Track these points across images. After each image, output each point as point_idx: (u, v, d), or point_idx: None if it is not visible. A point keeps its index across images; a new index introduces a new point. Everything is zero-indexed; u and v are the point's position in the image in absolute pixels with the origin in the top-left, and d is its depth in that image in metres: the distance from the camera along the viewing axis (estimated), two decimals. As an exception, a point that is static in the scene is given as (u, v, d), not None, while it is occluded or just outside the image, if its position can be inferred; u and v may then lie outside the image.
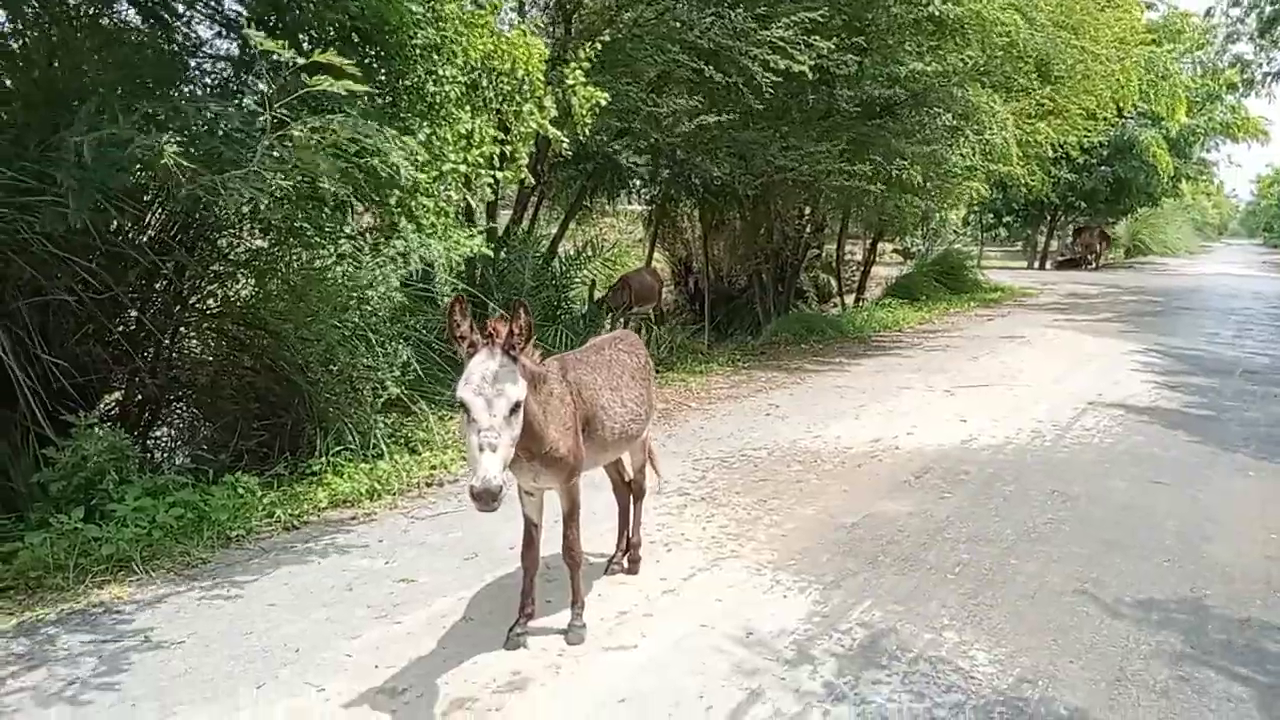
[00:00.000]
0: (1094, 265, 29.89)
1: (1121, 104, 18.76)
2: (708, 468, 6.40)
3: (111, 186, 4.23)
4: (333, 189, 4.32)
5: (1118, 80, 16.71)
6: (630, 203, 16.68)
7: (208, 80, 5.86)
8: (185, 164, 3.87)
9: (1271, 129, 29.82)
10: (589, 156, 11.28)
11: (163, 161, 3.75)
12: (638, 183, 13.77)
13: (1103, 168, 25.36)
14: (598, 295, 12.09)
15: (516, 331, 3.07)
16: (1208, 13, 22.01)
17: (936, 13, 9.60)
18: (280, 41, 4.02)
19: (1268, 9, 14.33)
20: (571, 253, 11.80)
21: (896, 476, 6.21)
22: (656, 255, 16.15)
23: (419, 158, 4.75)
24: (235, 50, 5.77)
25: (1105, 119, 17.97)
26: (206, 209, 5.33)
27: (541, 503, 3.81)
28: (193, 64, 5.80)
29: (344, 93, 3.89)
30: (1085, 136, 17.48)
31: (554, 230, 12.10)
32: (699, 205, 14.42)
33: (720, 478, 6.16)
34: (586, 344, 4.37)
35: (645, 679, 3.48)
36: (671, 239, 16.50)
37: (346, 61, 3.95)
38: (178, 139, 3.98)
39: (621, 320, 11.82)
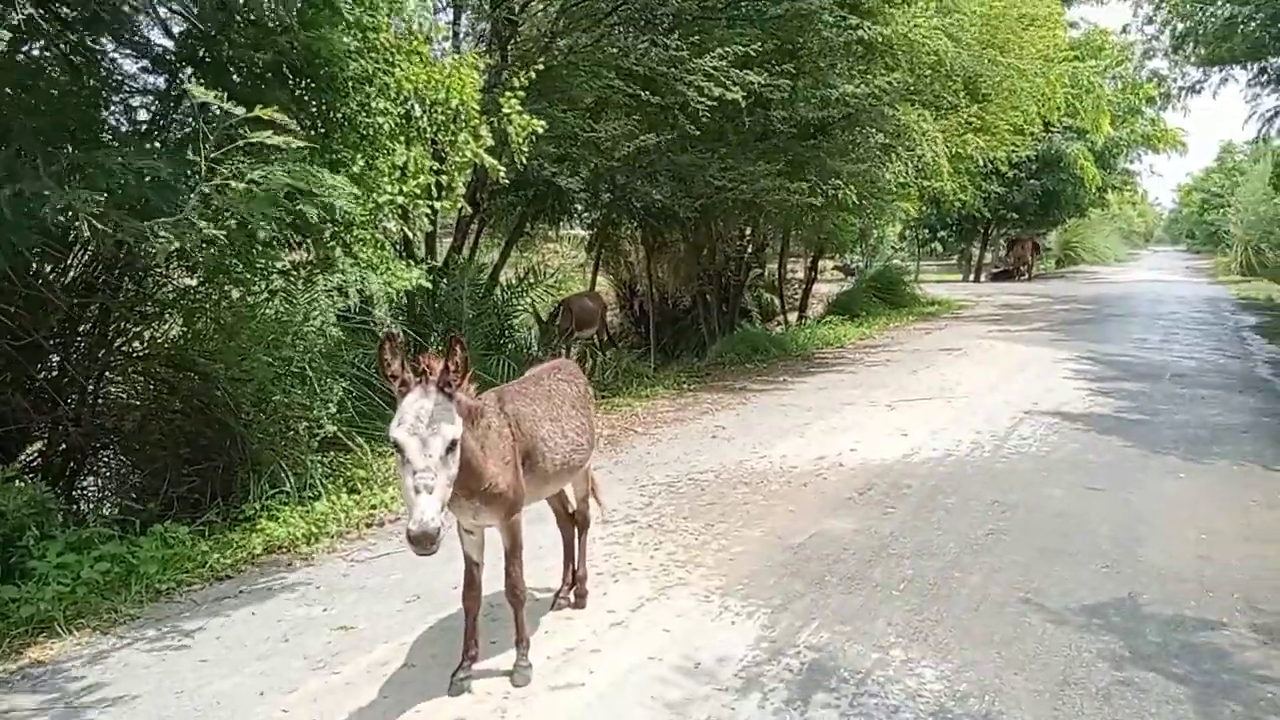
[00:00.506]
0: (1027, 276, 30.72)
1: (1048, 118, 19.42)
2: (654, 493, 6.37)
3: (20, 244, 4.06)
4: (266, 233, 4.21)
5: (1043, 95, 17.30)
6: (572, 227, 16.69)
7: (136, 117, 5.72)
8: (105, 217, 3.74)
9: (1189, 140, 31.10)
10: (529, 183, 11.26)
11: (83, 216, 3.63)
12: (579, 207, 13.78)
13: (1032, 181, 26.15)
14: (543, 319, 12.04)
15: (453, 368, 3.03)
16: (1124, 29, 22.96)
17: (865, 36, 9.81)
18: (218, 92, 3.92)
19: (1179, 26, 14.96)
20: (514, 280, 11.72)
21: (841, 494, 6.26)
22: (600, 279, 16.14)
23: (354, 193, 4.67)
24: (162, 84, 5.65)
25: (1032, 134, 18.58)
26: (131, 251, 5.16)
27: (482, 540, 3.74)
28: (117, 99, 5.64)
29: (283, 145, 3.79)
30: (1014, 151, 18.02)
31: (495, 257, 12.02)
32: (641, 228, 14.48)
33: (667, 503, 6.14)
34: (525, 375, 4.32)
35: (594, 717, 3.42)
36: (615, 262, 16.52)
37: (288, 120, 3.87)
38: (100, 188, 3.85)
39: (563, 347, 11.77)
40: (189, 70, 5.45)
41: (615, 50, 9.28)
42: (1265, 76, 14.04)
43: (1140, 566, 4.88)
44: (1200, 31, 13.51)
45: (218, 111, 3.95)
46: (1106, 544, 5.23)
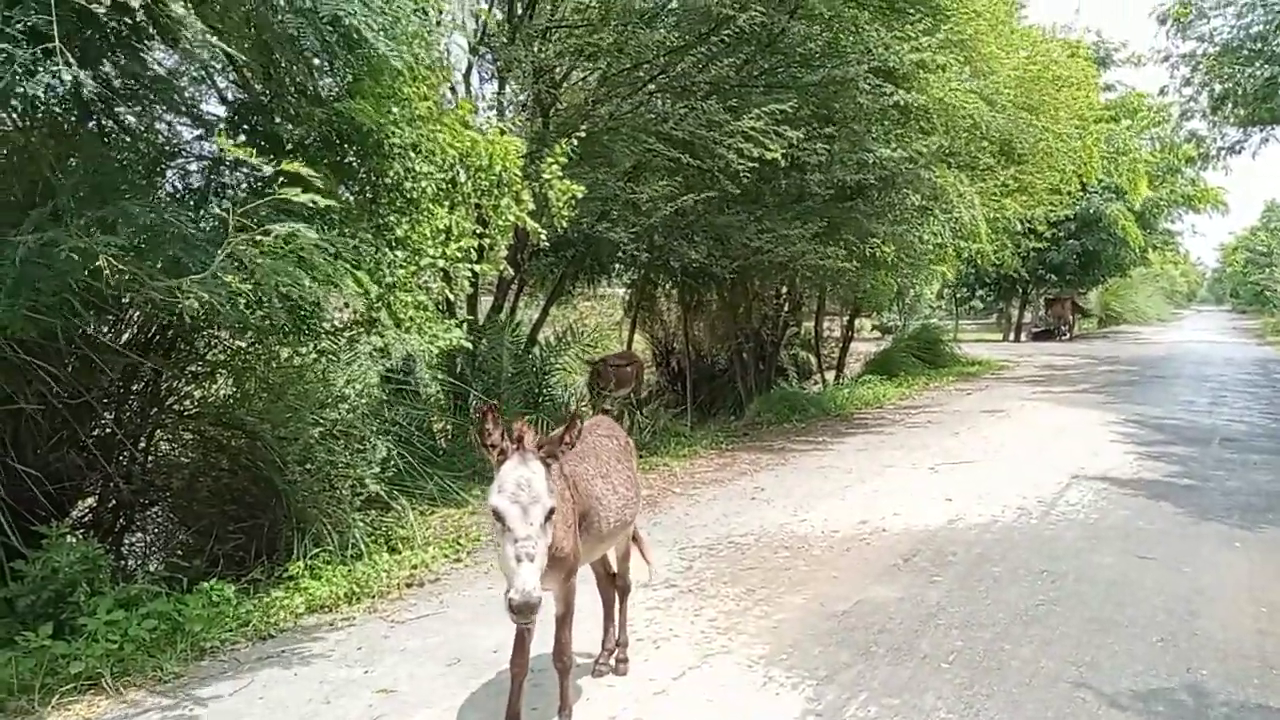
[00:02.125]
0: (1068, 335, 30.39)
1: (1085, 178, 19.43)
2: (694, 556, 6.31)
3: (40, 288, 4.16)
4: (304, 292, 4.29)
5: (1080, 156, 17.33)
6: (609, 286, 16.89)
7: (190, 183, 5.95)
8: (124, 268, 3.83)
9: (1231, 199, 30.83)
10: (569, 244, 11.46)
11: (96, 264, 3.72)
12: (618, 266, 13.96)
13: (1071, 241, 26.04)
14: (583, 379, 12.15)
15: (568, 440, 3.13)
16: (1162, 91, 23.00)
17: (901, 101, 9.93)
18: (249, 149, 4.07)
19: (1218, 88, 14.98)
20: (552, 339, 11.85)
21: (885, 560, 6.14)
22: (637, 337, 16.25)
23: (396, 254, 4.78)
24: (218, 150, 5.88)
25: (1070, 193, 18.57)
26: (173, 312, 5.32)
27: None
28: (172, 166, 5.88)
29: (310, 203, 3.90)
30: (1051, 211, 18.01)
31: (534, 316, 12.18)
32: (678, 287, 14.62)
33: (707, 567, 6.07)
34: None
35: (636, 790, 3.36)
36: (651, 321, 16.63)
37: (313, 173, 3.99)
38: (124, 243, 3.95)
39: (601, 406, 11.81)
40: (242, 138, 5.70)
41: (654, 116, 9.50)
42: (1308, 136, 13.95)
43: (1197, 640, 4.71)
44: (1239, 92, 13.50)
45: (252, 168, 4.09)
46: (1162, 615, 5.06)
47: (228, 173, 5.49)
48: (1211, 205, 30.77)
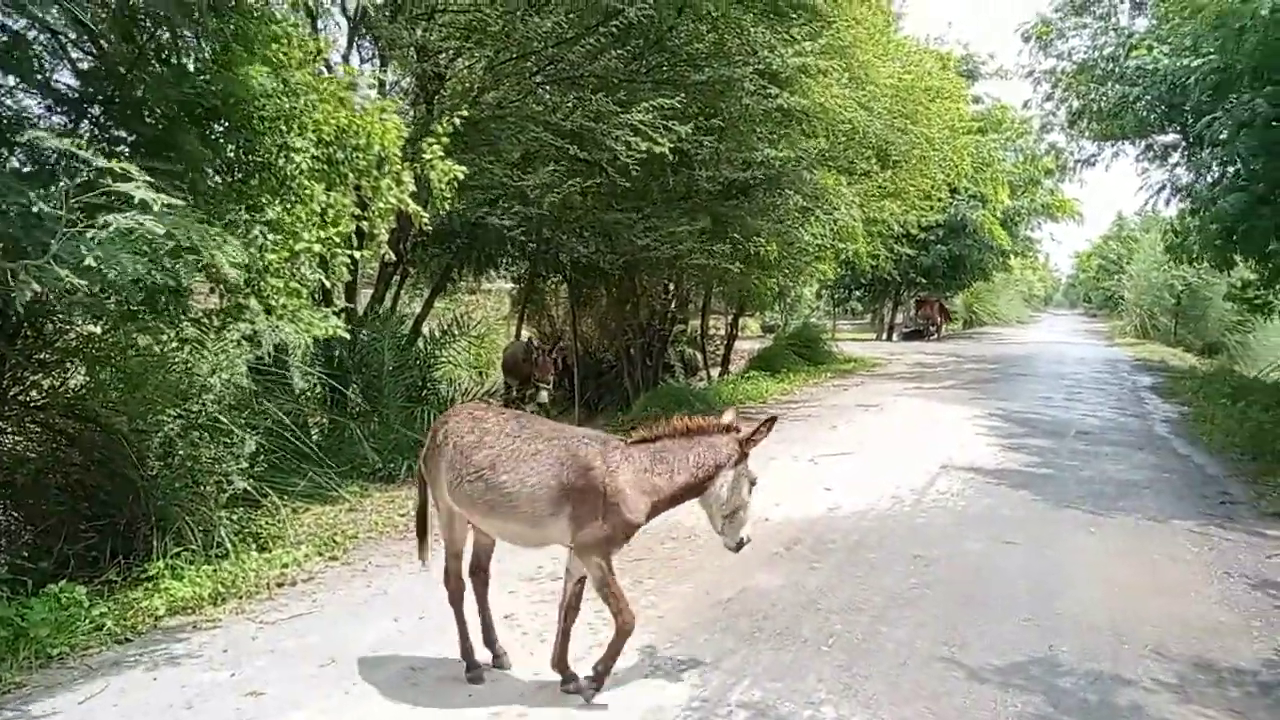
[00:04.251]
0: (935, 335, 31.89)
1: (954, 185, 20.46)
2: (581, 549, 6.24)
3: None
4: (157, 279, 3.98)
5: (950, 164, 18.25)
6: (494, 281, 16.62)
7: (38, 157, 5.46)
8: None
9: (1086, 209, 33.21)
10: (454, 234, 11.19)
11: None
12: (505, 259, 13.74)
13: (939, 245, 27.33)
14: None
15: (757, 439, 4.00)
16: (1025, 104, 24.48)
17: (785, 104, 10.16)
18: (75, 140, 3.77)
19: (1075, 103, 15.99)
20: (437, 332, 11.54)
21: (768, 549, 6.25)
22: (525, 332, 16.06)
23: (268, 237, 4.52)
24: (66, 125, 5.41)
25: (940, 199, 19.53)
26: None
27: None
28: (19, 142, 5.39)
29: (150, 198, 3.63)
30: (923, 216, 18.88)
31: (419, 309, 11.82)
32: (566, 281, 14.52)
33: (594, 559, 6.01)
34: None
35: (520, 785, 3.28)
36: (539, 316, 16.47)
37: (138, 171, 3.72)
38: None
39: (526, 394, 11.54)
40: (97, 110, 5.26)
41: (542, 107, 9.39)
42: (1152, 152, 15.01)
43: (1058, 619, 4.99)
44: (1094, 109, 14.41)
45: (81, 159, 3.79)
46: (1025, 596, 5.34)
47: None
48: (1067, 215, 32.99)
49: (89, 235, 3.57)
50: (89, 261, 3.69)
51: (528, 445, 3.88)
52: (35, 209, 3.86)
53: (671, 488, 3.87)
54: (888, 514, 7.23)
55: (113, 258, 3.54)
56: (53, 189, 4.51)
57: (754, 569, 5.79)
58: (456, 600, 4.19)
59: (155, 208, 3.54)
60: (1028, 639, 4.70)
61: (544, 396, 11.19)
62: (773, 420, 3.97)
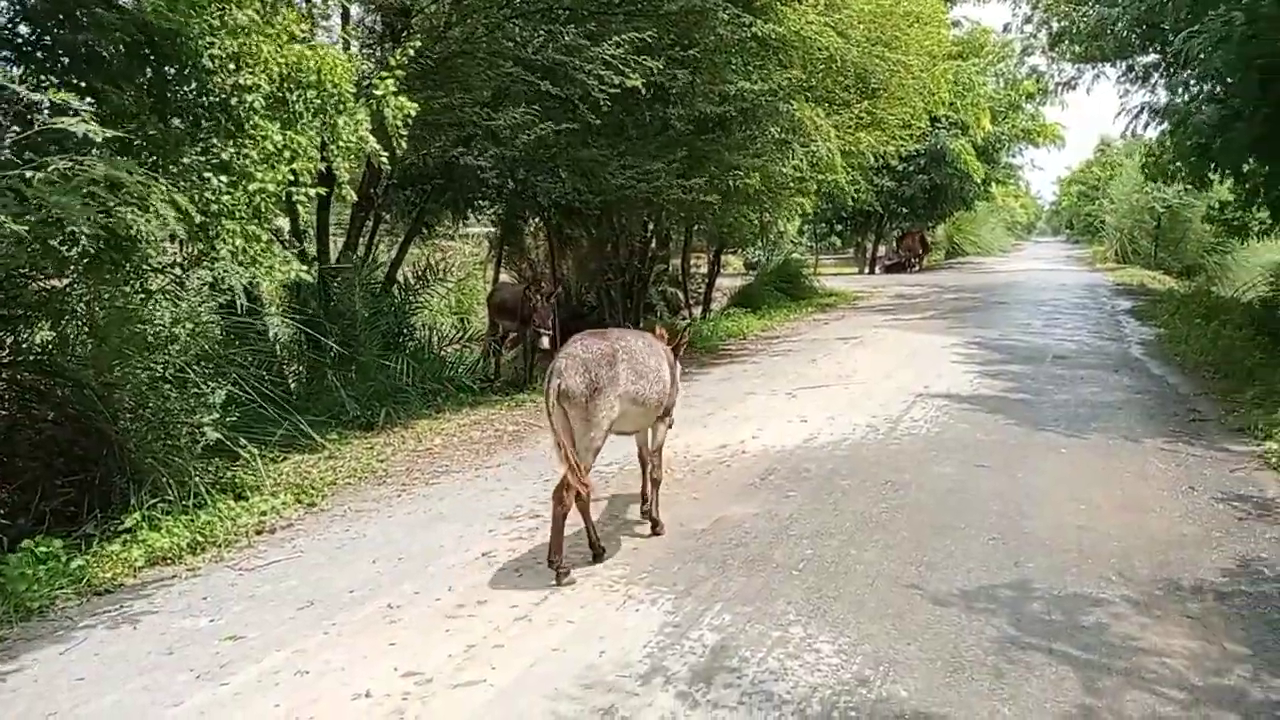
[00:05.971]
0: (917, 268, 31.81)
1: (933, 113, 20.19)
2: (559, 487, 6.31)
3: None
4: (110, 225, 3.91)
5: (929, 91, 17.99)
6: (468, 225, 16.42)
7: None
8: None
9: (1067, 134, 32.83)
10: (427, 176, 11.02)
11: None
12: (482, 202, 13.55)
13: (920, 176, 27.10)
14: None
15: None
16: (1005, 28, 24.08)
17: (760, 33, 9.95)
18: (5, 71, 3.66)
19: (1055, 25, 15.76)
20: (412, 279, 11.45)
21: (743, 480, 6.34)
22: (504, 276, 15.95)
23: (220, 180, 4.43)
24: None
25: (920, 128, 19.29)
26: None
27: None
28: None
29: (95, 135, 3.55)
30: (902, 146, 18.67)
31: (394, 256, 11.69)
32: (545, 224, 14.36)
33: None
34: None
35: (495, 712, 3.36)
36: (518, 259, 16.34)
37: (84, 106, 3.62)
38: None
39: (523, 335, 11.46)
40: (38, 54, 5.10)
41: (512, 42, 9.18)
42: (1132, 74, 14.87)
43: (1025, 538, 5.08)
44: (1074, 30, 14.22)
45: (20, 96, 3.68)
46: (994, 517, 5.44)
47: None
48: (1049, 140, 32.66)
49: (30, 177, 3.49)
50: (43, 208, 3.64)
51: (647, 347, 4.93)
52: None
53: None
54: (862, 442, 7.32)
55: (56, 202, 3.47)
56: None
57: (729, 500, 5.88)
58: (586, 509, 4.81)
59: (98, 140, 3.46)
60: (995, 559, 4.79)
61: (545, 343, 11.10)
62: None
